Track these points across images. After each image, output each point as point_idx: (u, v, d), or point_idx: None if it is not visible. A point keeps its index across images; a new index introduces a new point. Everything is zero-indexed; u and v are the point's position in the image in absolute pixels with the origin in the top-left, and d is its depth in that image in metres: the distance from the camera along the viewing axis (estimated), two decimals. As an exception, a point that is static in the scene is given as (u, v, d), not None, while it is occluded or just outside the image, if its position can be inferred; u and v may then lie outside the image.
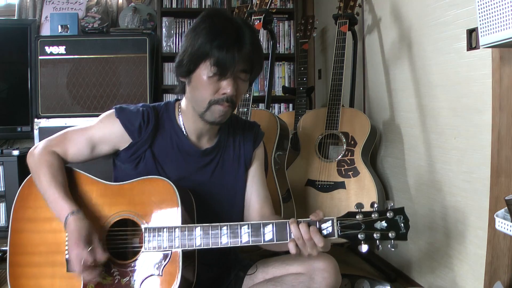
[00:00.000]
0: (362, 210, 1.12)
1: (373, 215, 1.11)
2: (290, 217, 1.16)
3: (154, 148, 1.31)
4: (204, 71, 1.19)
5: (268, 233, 1.14)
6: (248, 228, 1.15)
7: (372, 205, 1.12)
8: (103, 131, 1.30)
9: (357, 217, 1.11)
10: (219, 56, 1.16)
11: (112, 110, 1.32)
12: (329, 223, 1.12)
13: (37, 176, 1.23)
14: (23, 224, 1.24)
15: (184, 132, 1.34)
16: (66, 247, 1.20)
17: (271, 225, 1.14)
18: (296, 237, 1.12)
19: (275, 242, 1.14)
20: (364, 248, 1.10)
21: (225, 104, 1.22)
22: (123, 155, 1.31)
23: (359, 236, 1.10)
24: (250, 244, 1.15)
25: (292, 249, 1.12)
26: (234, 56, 1.16)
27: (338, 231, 1.11)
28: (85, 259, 1.11)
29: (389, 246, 1.10)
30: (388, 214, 1.10)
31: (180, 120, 1.34)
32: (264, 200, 1.41)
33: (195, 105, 1.27)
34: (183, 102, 1.34)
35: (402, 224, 1.10)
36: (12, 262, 1.22)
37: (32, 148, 1.29)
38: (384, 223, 1.10)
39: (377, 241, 1.10)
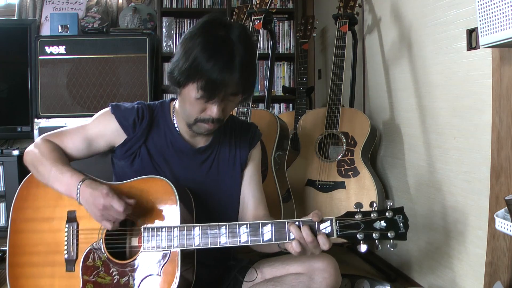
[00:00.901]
0: (361, 209, 1.12)
1: (372, 215, 1.10)
2: (290, 218, 1.16)
3: (148, 144, 1.32)
4: (192, 91, 1.17)
5: (267, 233, 1.13)
6: (247, 228, 1.14)
7: (371, 204, 1.12)
8: (99, 127, 1.31)
9: (356, 216, 1.11)
10: (208, 80, 1.13)
11: (108, 107, 1.33)
12: (328, 223, 1.12)
13: (40, 161, 1.22)
14: (22, 225, 1.24)
15: (178, 131, 1.34)
16: (65, 247, 1.20)
17: (270, 225, 1.14)
18: (299, 240, 1.11)
19: (274, 242, 1.13)
20: (363, 248, 1.10)
21: (210, 124, 1.23)
22: (118, 151, 1.32)
23: (358, 236, 1.10)
24: (249, 244, 1.15)
25: (293, 249, 1.12)
26: (223, 81, 1.13)
27: (337, 231, 1.11)
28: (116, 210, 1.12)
29: (388, 246, 1.10)
30: (387, 214, 1.10)
31: (174, 119, 1.35)
32: (259, 202, 1.41)
33: (183, 115, 1.28)
34: (178, 103, 1.34)
35: (402, 224, 1.09)
36: (11, 262, 1.22)
37: (28, 147, 1.29)
38: (383, 223, 1.10)
39: (376, 241, 1.10)
